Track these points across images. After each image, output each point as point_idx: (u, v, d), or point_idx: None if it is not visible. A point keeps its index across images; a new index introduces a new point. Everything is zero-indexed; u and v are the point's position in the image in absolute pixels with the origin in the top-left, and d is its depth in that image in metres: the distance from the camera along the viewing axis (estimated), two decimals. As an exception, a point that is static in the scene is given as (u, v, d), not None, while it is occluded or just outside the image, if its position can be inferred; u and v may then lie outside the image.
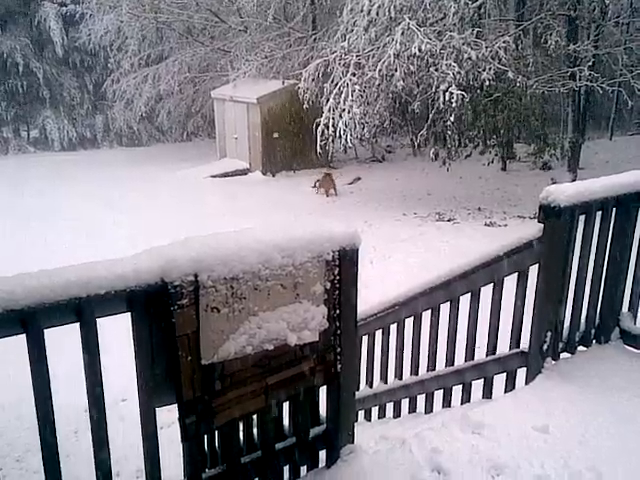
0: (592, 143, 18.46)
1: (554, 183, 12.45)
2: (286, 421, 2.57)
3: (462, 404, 3.74)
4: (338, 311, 2.35)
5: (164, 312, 1.90)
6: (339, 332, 2.38)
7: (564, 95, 14.60)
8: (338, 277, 2.30)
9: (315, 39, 18.21)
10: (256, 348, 2.10)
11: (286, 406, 2.47)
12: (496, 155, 15.27)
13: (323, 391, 2.53)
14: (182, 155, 21.52)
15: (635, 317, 3.71)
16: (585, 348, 3.70)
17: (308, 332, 2.24)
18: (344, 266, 2.31)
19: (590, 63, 13.54)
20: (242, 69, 18.62)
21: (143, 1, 20.13)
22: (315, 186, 15.40)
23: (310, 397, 2.46)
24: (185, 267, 1.91)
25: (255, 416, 2.36)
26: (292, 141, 18.39)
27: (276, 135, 18.28)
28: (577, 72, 13.41)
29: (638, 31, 17.34)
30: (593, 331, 3.73)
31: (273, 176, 18.23)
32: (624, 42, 15.21)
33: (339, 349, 2.40)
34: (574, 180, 14.60)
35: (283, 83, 17.89)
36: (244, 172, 18.39)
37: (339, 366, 2.42)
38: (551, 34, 13.22)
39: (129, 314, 1.87)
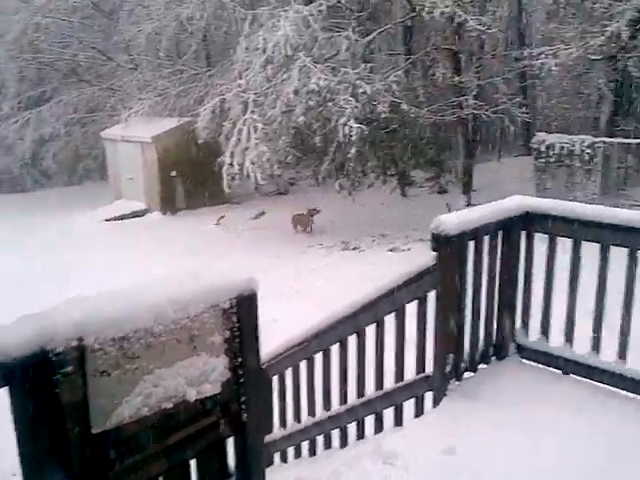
0: (483, 166, 19.33)
1: (449, 208, 13.00)
2: (194, 478, 2.47)
3: (375, 434, 3.78)
4: (240, 359, 2.29)
5: (46, 381, 1.78)
6: (242, 380, 2.32)
7: (454, 123, 15.30)
8: (237, 324, 2.25)
9: (209, 76, 18.15)
10: (153, 408, 2.01)
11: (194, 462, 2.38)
12: (396, 183, 15.73)
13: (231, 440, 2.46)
14: (72, 200, 20.14)
15: (528, 331, 3.90)
16: (485, 365, 3.85)
17: (209, 385, 2.17)
18: (243, 313, 2.26)
19: (474, 93, 14.31)
20: (134, 108, 18.15)
21: (21, 41, 19.38)
22: (294, 225, 14.89)
23: (217, 450, 2.38)
24: (67, 332, 1.80)
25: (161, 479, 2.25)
26: (191, 179, 18.07)
27: (174, 174, 17.96)
28: (464, 101, 14.12)
29: (515, 61, 18.54)
30: (492, 348, 3.90)
31: (173, 215, 17.82)
32: (503, 73, 16.23)
33: (243, 398, 2.34)
34: (469, 202, 15.30)
35: (178, 121, 17.68)
36: (141, 213, 17.82)
37: (244, 415, 2.36)
38: (437, 67, 13.88)
39: (6, 388, 1.74)
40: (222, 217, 16.06)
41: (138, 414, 1.96)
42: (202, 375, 2.15)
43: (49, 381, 1.77)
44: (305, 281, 10.56)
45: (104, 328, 1.87)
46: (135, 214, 17.69)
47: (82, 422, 1.84)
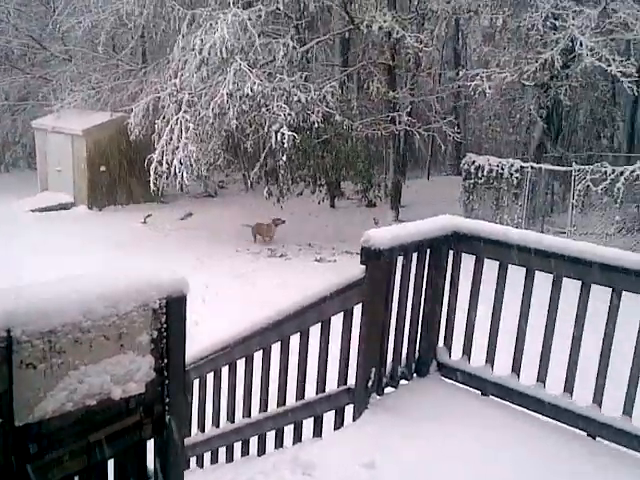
0: (412, 182, 19.81)
1: (376, 222, 13.23)
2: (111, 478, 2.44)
3: (294, 444, 3.79)
4: (166, 360, 2.29)
5: (-30, 372, 1.74)
6: (167, 382, 2.32)
7: (386, 138, 15.59)
8: (165, 325, 2.25)
9: (145, 72, 17.86)
10: (77, 404, 1.98)
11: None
12: (326, 194, 15.90)
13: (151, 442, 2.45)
14: (-2, 186, 19.72)
15: (450, 351, 3.97)
16: (407, 381, 3.90)
17: (134, 384, 2.16)
18: (171, 314, 2.26)
19: (408, 109, 14.64)
20: (66, 99, 17.72)
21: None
22: (253, 235, 14.31)
23: (137, 451, 2.36)
24: (-4, 322, 1.77)
25: (77, 478, 2.22)
26: (120, 175, 17.81)
27: (103, 168, 17.60)
28: (397, 117, 14.42)
29: (450, 81, 19.08)
30: (413, 365, 3.95)
31: (100, 210, 17.44)
32: (437, 91, 16.67)
33: (167, 399, 2.34)
34: (397, 217, 15.63)
35: (111, 115, 17.32)
36: (68, 206, 17.39)
37: (167, 417, 2.35)
38: (372, 81, 14.14)
39: None
40: (149, 215, 15.79)
41: (61, 409, 1.94)
42: (128, 374, 2.14)
43: (-27, 371, 1.74)
44: (230, 285, 10.51)
45: (33, 320, 1.84)
46: (61, 207, 17.24)
47: (5, 414, 1.80)
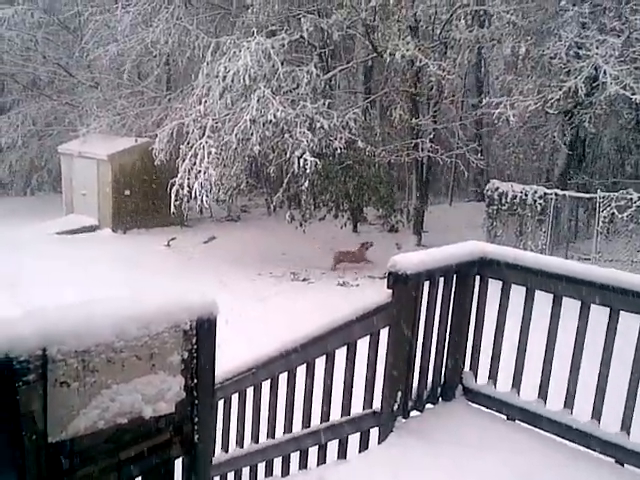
0: (434, 208, 19.77)
1: (399, 247, 13.20)
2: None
3: (318, 466, 3.77)
4: (195, 381, 2.31)
5: (7, 388, 1.77)
6: (196, 402, 2.34)
7: (408, 164, 15.64)
8: (196, 347, 2.28)
9: (169, 99, 18.21)
10: (108, 422, 2.01)
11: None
12: (348, 219, 15.95)
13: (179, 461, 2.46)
14: (24, 210, 20.07)
15: (476, 375, 3.95)
16: (432, 405, 3.88)
17: (164, 404, 2.18)
18: (201, 335, 2.29)
19: (431, 136, 14.68)
20: (92, 125, 18.12)
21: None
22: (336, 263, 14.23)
23: (166, 470, 2.37)
24: (32, 341, 1.80)
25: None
26: (144, 199, 18.05)
27: (127, 192, 17.88)
28: (420, 143, 14.47)
29: (472, 108, 19.13)
30: (439, 389, 3.93)
31: (124, 233, 17.68)
32: (459, 118, 16.71)
33: (196, 419, 2.35)
34: (419, 242, 15.60)
35: (136, 141, 17.63)
36: (92, 229, 17.69)
37: (196, 436, 2.37)
38: (395, 108, 14.24)
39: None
40: (173, 239, 15.95)
41: (94, 427, 1.96)
42: (159, 393, 2.16)
43: (10, 388, 1.77)
44: (253, 308, 10.53)
45: (67, 340, 1.88)
46: (86, 229, 17.56)
47: (39, 430, 1.83)
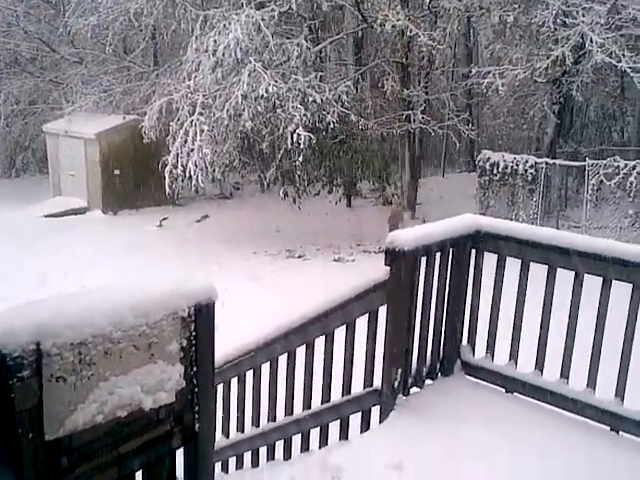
0: (427, 180, 19.76)
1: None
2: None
3: (320, 448, 3.76)
4: (195, 368, 2.27)
5: (1, 387, 1.72)
6: (196, 390, 2.30)
7: (401, 136, 15.55)
8: (194, 333, 2.23)
9: (157, 74, 17.91)
10: (107, 416, 1.96)
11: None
12: (343, 194, 15.89)
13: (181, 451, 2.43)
14: (10, 193, 19.63)
15: (473, 349, 3.96)
16: (432, 381, 3.89)
17: (164, 394, 2.14)
18: (200, 322, 2.24)
19: (422, 107, 14.58)
20: (78, 103, 17.76)
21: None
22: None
23: (167, 461, 2.34)
24: (25, 335, 1.74)
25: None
26: (134, 178, 17.85)
27: (117, 172, 17.67)
28: (411, 115, 14.37)
29: (463, 78, 19.00)
30: (438, 364, 3.95)
31: (114, 214, 17.51)
32: (450, 89, 16.59)
33: (197, 407, 2.32)
34: (413, 215, 15.61)
35: (124, 118, 17.39)
36: (82, 211, 17.48)
37: (197, 425, 2.33)
38: (387, 79, 14.09)
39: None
40: (165, 219, 15.86)
41: (92, 422, 1.92)
42: (158, 383, 2.12)
43: (4, 386, 1.72)
44: (250, 288, 10.50)
45: (63, 332, 1.82)
46: (75, 211, 17.34)
47: (36, 428, 1.79)
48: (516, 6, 13.14)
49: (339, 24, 16.90)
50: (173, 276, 2.39)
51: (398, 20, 12.03)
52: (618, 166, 12.46)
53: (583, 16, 11.74)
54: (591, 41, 11.45)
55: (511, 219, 14.03)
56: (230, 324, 7.79)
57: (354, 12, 14.59)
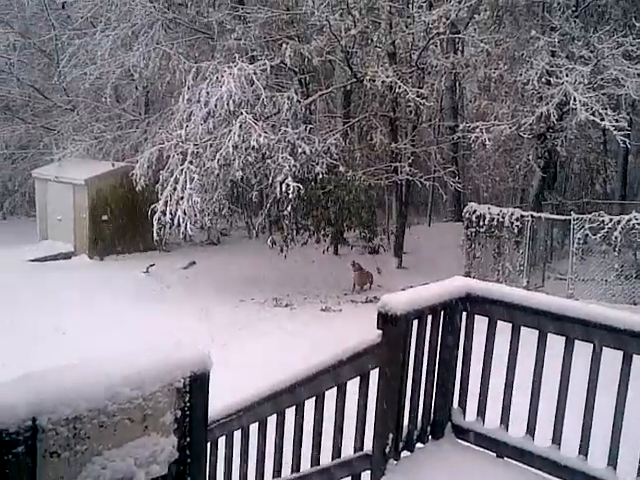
0: (414, 228, 19.88)
1: (379, 271, 13.26)
2: None
3: (309, 511, 3.70)
4: (188, 439, 2.25)
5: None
6: (189, 461, 2.28)
7: (388, 186, 15.74)
8: (189, 404, 2.22)
9: (148, 123, 18.13)
10: (100, 491, 1.94)
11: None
12: (331, 244, 15.97)
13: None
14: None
15: (464, 412, 3.95)
16: (422, 445, 3.86)
17: (157, 466, 2.12)
18: (195, 392, 2.24)
19: (410, 160, 14.82)
20: (69, 149, 17.90)
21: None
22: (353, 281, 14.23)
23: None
24: (23, 411, 1.74)
25: None
26: (122, 224, 17.82)
27: (105, 217, 17.66)
28: (399, 167, 14.59)
29: (448, 130, 19.39)
30: (429, 428, 3.92)
31: (101, 259, 17.41)
32: (437, 142, 16.91)
33: (189, 478, 2.29)
34: (400, 264, 15.70)
35: (113, 165, 17.49)
36: (68, 256, 17.35)
37: (189, 496, 2.30)
38: (375, 132, 14.35)
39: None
40: (152, 265, 15.77)
41: (85, 498, 1.90)
42: (151, 456, 2.10)
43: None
44: (236, 336, 10.42)
45: (59, 407, 1.82)
46: (61, 256, 17.20)
47: (29, 507, 1.77)
48: (501, 64, 13.55)
49: (329, 78, 17.30)
50: (168, 343, 2.39)
51: (388, 77, 12.32)
52: (603, 220, 12.63)
53: (567, 76, 12.09)
54: (575, 100, 11.77)
55: (498, 270, 14.17)
56: (217, 373, 7.73)
57: (344, 67, 14.94)
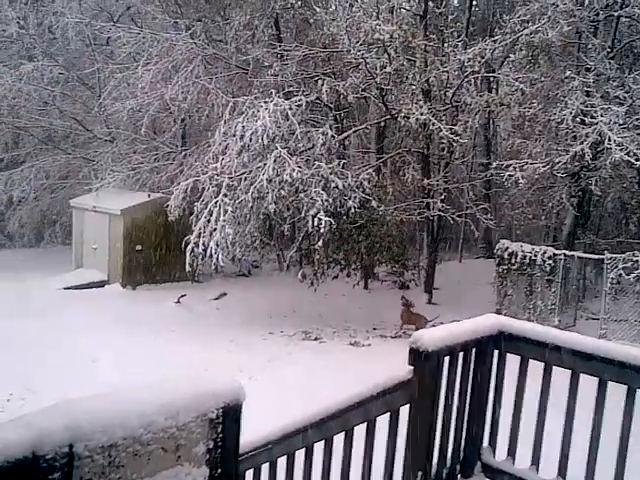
0: (445, 265, 19.77)
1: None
2: None
3: None
4: (220, 470, 2.27)
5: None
6: (219, 492, 2.29)
7: (419, 222, 15.74)
8: (221, 435, 2.25)
9: (185, 155, 18.48)
10: (132, 519, 1.97)
11: None
12: (361, 278, 15.96)
13: None
14: (33, 263, 20.01)
15: (494, 451, 3.89)
16: (451, 483, 3.81)
17: (188, 496, 2.14)
18: (227, 423, 2.26)
19: (442, 196, 14.82)
20: (107, 179, 18.32)
21: (1, 104, 19.59)
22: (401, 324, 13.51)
23: None
24: (60, 438, 1.78)
25: None
26: (155, 254, 18.09)
27: (139, 247, 17.93)
28: (431, 203, 14.59)
29: (481, 168, 19.36)
30: (458, 466, 3.87)
31: (133, 289, 17.63)
32: (469, 178, 16.89)
33: (219, 510, 2.30)
34: (430, 299, 15.58)
35: (149, 196, 17.82)
36: (101, 284, 17.63)
37: (218, 528, 2.31)
38: (408, 168, 14.42)
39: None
40: (183, 295, 15.91)
41: (117, 526, 1.92)
42: (183, 486, 2.12)
43: (37, 487, 1.74)
44: (265, 369, 10.41)
45: (95, 435, 1.85)
46: (95, 284, 17.46)
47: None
48: (535, 103, 13.55)
49: (363, 114, 17.48)
50: (203, 375, 2.42)
51: (422, 114, 12.41)
52: (637, 260, 12.44)
53: (602, 116, 12.04)
54: (609, 140, 11.70)
55: (529, 309, 13.98)
56: (246, 407, 7.73)
57: (378, 104, 15.09)
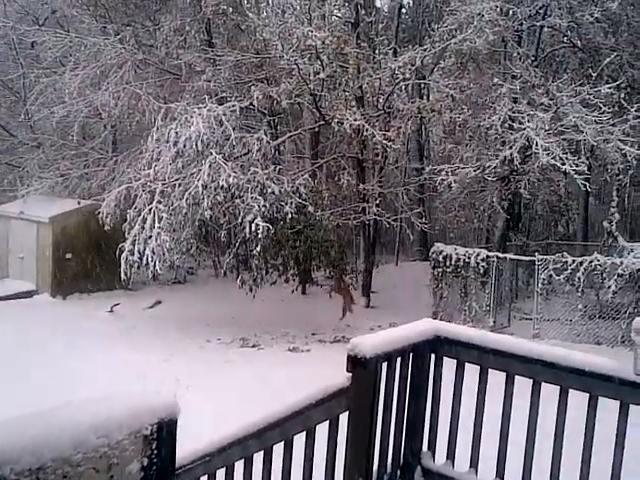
0: (382, 268, 20.00)
1: (350, 309, 13.18)
2: None
3: None
4: (155, 488, 2.20)
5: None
6: (155, 511, 2.22)
7: (356, 226, 15.89)
8: (156, 451, 2.18)
9: (116, 161, 18.07)
10: None
11: None
12: (300, 283, 15.95)
13: None
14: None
15: (434, 455, 3.94)
16: (392, 489, 3.83)
17: (123, 517, 2.06)
18: (162, 439, 2.20)
19: (377, 201, 15.02)
20: (33, 186, 17.74)
21: None
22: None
23: None
24: (-16, 462, 1.69)
25: None
26: (86, 262, 17.57)
27: (69, 256, 17.41)
28: (367, 207, 14.76)
29: (415, 172, 19.73)
30: (398, 471, 3.89)
31: (64, 299, 17.08)
32: (403, 183, 17.19)
33: (154, 529, 2.23)
34: (368, 303, 15.75)
35: (79, 203, 17.33)
36: (29, 294, 17.03)
37: None
38: (343, 173, 14.54)
39: None
40: (116, 304, 15.53)
41: None
42: (117, 506, 2.05)
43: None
44: (203, 378, 10.23)
45: (22, 457, 1.76)
46: (22, 295, 16.83)
47: None
48: (465, 109, 13.93)
49: (298, 120, 17.53)
50: (135, 390, 2.35)
51: (355, 120, 12.55)
52: (566, 261, 12.90)
53: (528, 121, 12.51)
54: (536, 144, 12.16)
55: (465, 310, 14.29)
56: (182, 415, 7.57)
57: (312, 110, 15.17)
